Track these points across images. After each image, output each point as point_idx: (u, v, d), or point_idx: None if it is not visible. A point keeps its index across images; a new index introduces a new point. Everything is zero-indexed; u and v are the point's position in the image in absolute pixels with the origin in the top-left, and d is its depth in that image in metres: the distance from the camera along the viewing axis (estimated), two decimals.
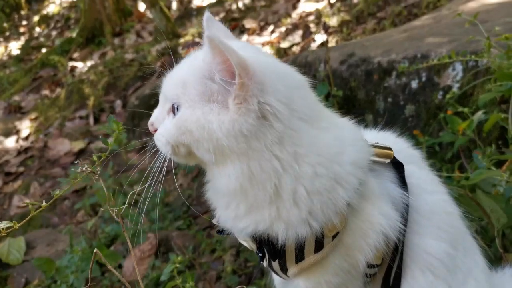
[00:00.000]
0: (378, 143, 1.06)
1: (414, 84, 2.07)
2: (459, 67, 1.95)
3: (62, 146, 4.84)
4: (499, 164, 1.69)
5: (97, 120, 5.21)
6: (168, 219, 2.78)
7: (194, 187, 3.10)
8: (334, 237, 0.92)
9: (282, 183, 0.89)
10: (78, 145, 4.73)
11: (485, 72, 1.84)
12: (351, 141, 0.97)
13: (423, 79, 2.05)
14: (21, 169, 4.64)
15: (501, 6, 2.59)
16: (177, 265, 1.06)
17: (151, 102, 4.92)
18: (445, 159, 1.86)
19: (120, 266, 2.40)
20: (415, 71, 2.04)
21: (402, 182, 1.04)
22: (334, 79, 2.32)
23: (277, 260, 0.98)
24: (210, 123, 0.87)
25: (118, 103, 5.22)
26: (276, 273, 1.06)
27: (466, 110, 1.81)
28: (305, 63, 2.63)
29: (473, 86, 1.88)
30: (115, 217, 0.97)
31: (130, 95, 5.17)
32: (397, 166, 1.04)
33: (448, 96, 1.89)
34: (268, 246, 0.95)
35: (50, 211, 3.84)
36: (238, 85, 0.85)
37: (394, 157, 1.04)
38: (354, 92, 2.27)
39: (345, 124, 1.02)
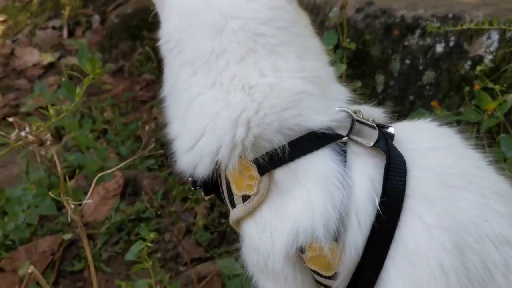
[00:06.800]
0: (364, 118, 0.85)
1: (440, 48, 1.81)
2: (495, 36, 1.69)
3: (31, 57, 4.43)
4: None
5: (71, 33, 4.78)
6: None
7: None
8: (244, 199, 0.80)
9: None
10: (48, 58, 4.33)
11: None
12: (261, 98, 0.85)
13: (451, 43, 1.79)
14: None
15: None
16: (148, 244, 0.83)
17: (133, 23, 4.51)
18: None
19: (80, 204, 2.15)
20: (443, 33, 1.78)
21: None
22: (347, 28, 2.03)
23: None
24: None
25: (96, 18, 4.77)
26: None
27: (497, 87, 1.59)
28: (312, 6, 2.32)
29: (509, 61, 1.64)
30: None
31: (110, 11, 4.71)
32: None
33: (478, 68, 1.65)
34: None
35: (8, 125, 3.52)
36: None
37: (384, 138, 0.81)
38: (367, 47, 2.00)
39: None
